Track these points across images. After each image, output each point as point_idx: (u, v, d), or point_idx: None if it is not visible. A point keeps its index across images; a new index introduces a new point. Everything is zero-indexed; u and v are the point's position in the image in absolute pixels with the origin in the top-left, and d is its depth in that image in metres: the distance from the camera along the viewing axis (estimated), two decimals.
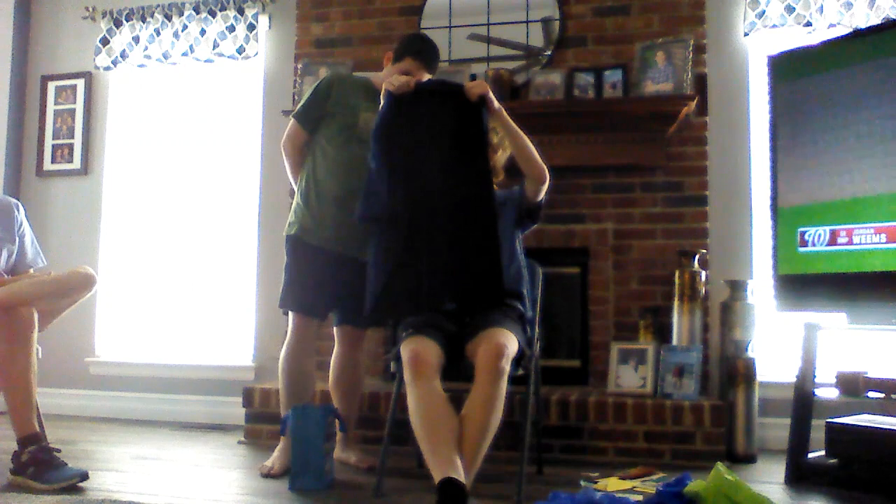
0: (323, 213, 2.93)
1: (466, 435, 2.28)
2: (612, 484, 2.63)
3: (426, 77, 2.98)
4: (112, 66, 4.32)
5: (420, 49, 2.99)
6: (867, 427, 2.69)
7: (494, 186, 2.57)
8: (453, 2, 3.84)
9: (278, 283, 2.99)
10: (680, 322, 3.35)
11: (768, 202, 3.02)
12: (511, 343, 2.40)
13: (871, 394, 2.70)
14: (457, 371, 2.49)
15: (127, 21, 4.30)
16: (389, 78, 2.67)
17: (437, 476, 2.15)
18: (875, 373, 2.74)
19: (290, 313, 2.96)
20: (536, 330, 2.75)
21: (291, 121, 3.04)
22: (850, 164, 2.72)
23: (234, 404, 3.71)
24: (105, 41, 4.32)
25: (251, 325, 4.09)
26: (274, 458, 2.89)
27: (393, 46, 3.08)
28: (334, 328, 3.08)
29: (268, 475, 2.81)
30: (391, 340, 3.69)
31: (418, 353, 2.40)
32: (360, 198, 2.58)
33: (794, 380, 2.88)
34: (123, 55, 4.30)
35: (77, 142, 4.44)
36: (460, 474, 2.16)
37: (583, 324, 3.59)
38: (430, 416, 2.31)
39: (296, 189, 3.05)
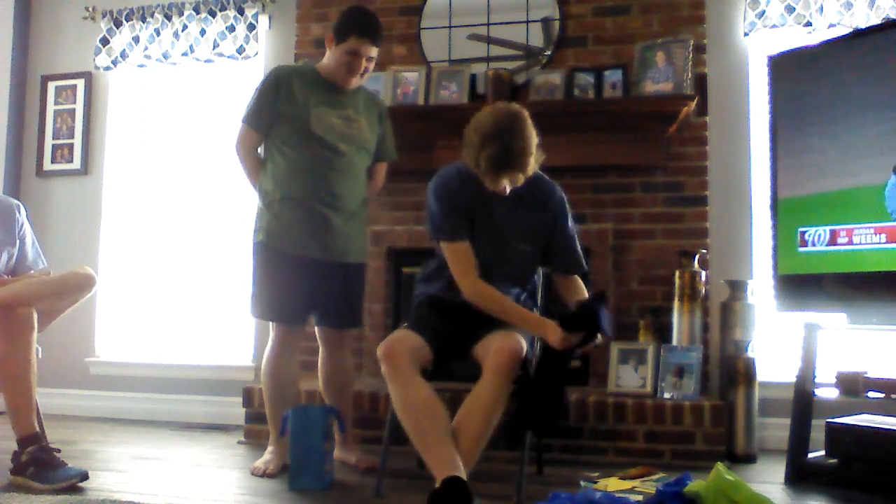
0: (289, 217, 2.86)
1: (466, 429, 2.27)
2: (612, 484, 2.63)
3: (373, 51, 2.86)
4: (112, 66, 4.32)
5: (363, 24, 2.86)
6: (867, 427, 2.69)
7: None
8: (453, 2, 3.84)
9: None
10: (680, 322, 3.35)
11: (768, 202, 3.02)
12: (523, 347, 2.38)
13: (871, 394, 2.70)
14: (453, 373, 2.49)
15: (127, 21, 4.30)
16: (556, 339, 2.36)
17: (439, 475, 2.15)
18: (875, 373, 2.74)
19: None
20: None
21: (241, 124, 2.94)
22: (851, 164, 2.73)
23: (234, 404, 3.71)
24: (105, 41, 4.32)
25: (251, 325, 4.08)
26: (266, 460, 2.88)
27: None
28: (315, 329, 3.05)
29: (263, 475, 2.81)
30: None
31: (391, 345, 2.38)
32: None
33: (794, 380, 2.88)
34: (123, 55, 4.29)
35: (77, 142, 4.44)
36: (462, 471, 2.16)
37: None
38: (418, 411, 2.29)
39: (257, 193, 2.98)
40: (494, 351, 2.35)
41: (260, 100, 2.91)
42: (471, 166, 2.44)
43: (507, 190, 2.44)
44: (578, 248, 2.68)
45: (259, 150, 2.99)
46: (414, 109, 3.71)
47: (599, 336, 2.40)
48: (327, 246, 2.89)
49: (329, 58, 2.92)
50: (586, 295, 2.61)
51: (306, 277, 2.87)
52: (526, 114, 2.43)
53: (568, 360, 2.43)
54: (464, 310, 2.52)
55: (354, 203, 2.96)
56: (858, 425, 2.71)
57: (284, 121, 2.88)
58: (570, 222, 2.66)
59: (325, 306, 2.94)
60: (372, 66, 2.93)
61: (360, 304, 3.06)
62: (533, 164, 2.42)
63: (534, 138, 2.40)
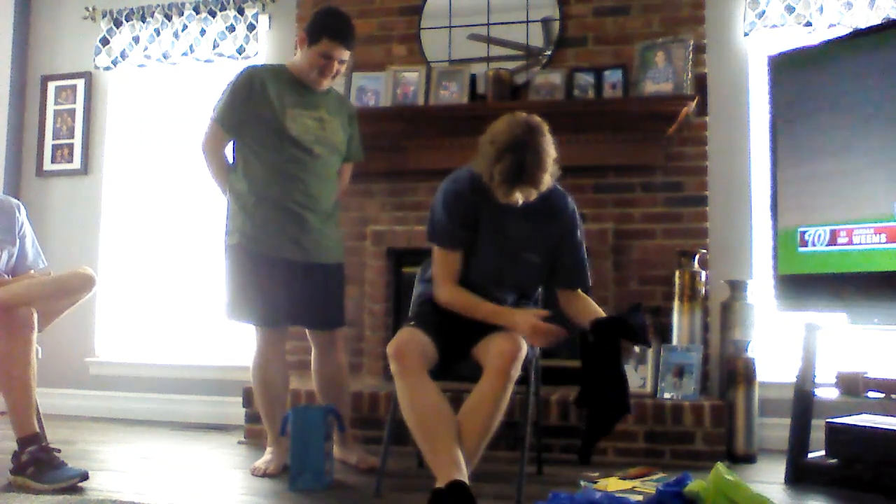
0: (265, 219, 2.84)
1: (467, 431, 2.27)
2: (612, 484, 2.63)
3: (346, 54, 2.82)
4: (112, 66, 4.32)
5: (337, 27, 2.81)
6: (867, 427, 2.69)
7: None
8: (453, 2, 3.84)
9: None
10: (680, 322, 3.35)
11: (768, 202, 3.02)
12: (524, 348, 2.38)
13: (871, 394, 2.70)
14: (455, 373, 2.48)
15: (127, 21, 4.30)
16: (533, 337, 2.40)
17: (442, 477, 2.15)
18: (875, 373, 2.74)
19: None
20: None
21: (211, 123, 2.91)
22: (851, 164, 2.73)
23: (234, 404, 3.71)
24: (105, 41, 4.32)
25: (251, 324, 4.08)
26: (267, 460, 2.88)
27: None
28: (306, 331, 3.05)
29: (263, 475, 2.81)
30: None
31: (402, 344, 2.36)
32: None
33: (794, 380, 2.88)
34: (123, 55, 4.30)
35: (77, 142, 4.44)
36: (465, 474, 2.16)
37: None
38: (426, 412, 2.28)
39: (226, 194, 2.95)
40: (496, 352, 2.34)
41: (232, 99, 2.87)
42: (484, 177, 2.36)
43: (519, 202, 2.39)
44: (586, 263, 2.60)
45: (226, 150, 2.97)
46: (414, 109, 3.72)
47: (637, 348, 2.40)
48: (305, 247, 2.88)
49: (301, 58, 2.89)
50: (598, 309, 2.56)
51: (285, 279, 2.85)
52: (545, 127, 2.36)
53: (617, 353, 2.38)
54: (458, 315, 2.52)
55: (329, 204, 2.96)
56: (858, 425, 2.72)
57: (258, 122, 2.85)
58: (580, 236, 2.60)
59: (307, 308, 2.93)
60: (344, 68, 2.91)
61: (341, 303, 3.05)
62: (548, 180, 2.34)
63: (551, 153, 2.34)
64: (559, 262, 2.58)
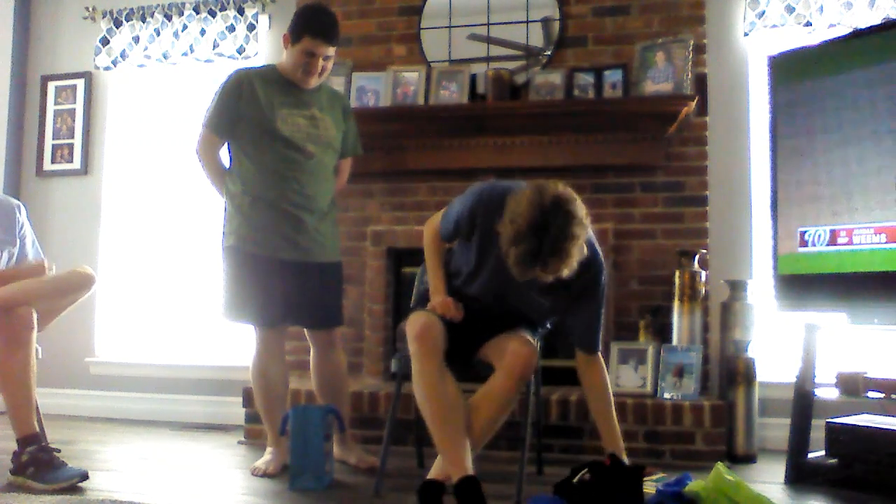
0: (260, 219, 2.84)
1: (475, 424, 2.30)
2: None
3: (330, 51, 2.80)
4: (112, 66, 4.32)
5: (318, 24, 2.78)
6: (867, 427, 2.69)
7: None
8: (453, 2, 3.84)
9: None
10: (680, 322, 3.35)
11: (768, 202, 3.02)
12: (537, 354, 2.40)
13: (871, 394, 2.70)
14: (457, 372, 2.49)
15: (127, 21, 4.30)
16: (438, 302, 2.43)
17: (454, 470, 2.17)
18: (875, 373, 2.74)
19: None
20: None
21: (203, 129, 2.91)
22: (851, 164, 2.72)
23: (234, 404, 3.72)
24: (105, 41, 4.32)
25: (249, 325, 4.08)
26: (267, 460, 2.88)
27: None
28: (305, 331, 3.05)
29: (263, 475, 2.81)
30: (392, 341, 3.70)
31: (428, 326, 2.35)
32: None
33: (794, 380, 2.88)
34: (123, 55, 4.30)
35: (77, 142, 4.44)
36: (471, 467, 2.19)
37: None
38: (443, 401, 2.29)
39: (223, 196, 2.95)
40: (512, 353, 2.35)
41: (221, 103, 2.87)
42: (503, 248, 2.16)
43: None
44: (599, 326, 2.47)
45: (221, 152, 2.97)
46: (414, 109, 3.72)
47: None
48: (302, 247, 2.88)
49: (286, 57, 2.88)
50: (608, 389, 2.51)
51: (282, 279, 2.85)
52: (574, 204, 2.12)
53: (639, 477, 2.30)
54: (465, 314, 2.52)
55: (325, 203, 2.95)
56: (858, 425, 2.71)
57: (249, 124, 2.85)
58: (600, 297, 2.45)
59: (305, 307, 2.92)
60: (330, 64, 2.88)
61: (339, 302, 3.05)
62: (572, 265, 2.13)
63: (577, 236, 2.10)
64: (570, 316, 2.49)
